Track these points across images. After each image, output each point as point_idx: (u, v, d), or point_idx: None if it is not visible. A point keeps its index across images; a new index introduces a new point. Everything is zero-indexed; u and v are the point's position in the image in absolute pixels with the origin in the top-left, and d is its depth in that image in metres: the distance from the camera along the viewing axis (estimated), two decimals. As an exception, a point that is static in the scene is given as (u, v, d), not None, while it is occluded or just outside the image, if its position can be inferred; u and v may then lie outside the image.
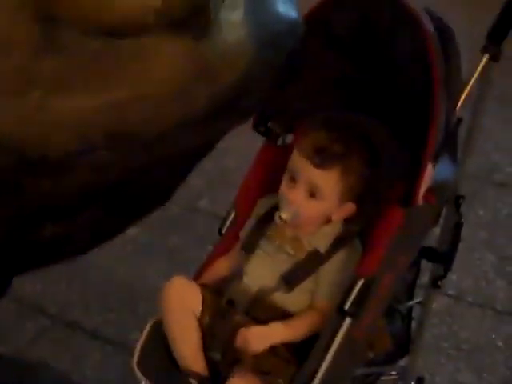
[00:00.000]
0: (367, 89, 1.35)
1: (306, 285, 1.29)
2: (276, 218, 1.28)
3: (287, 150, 1.37)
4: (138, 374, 1.29)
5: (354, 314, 1.23)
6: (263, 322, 1.28)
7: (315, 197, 1.26)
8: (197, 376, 1.26)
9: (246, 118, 1.01)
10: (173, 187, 1.06)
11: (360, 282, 1.23)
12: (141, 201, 0.99)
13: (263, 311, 1.29)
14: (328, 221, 1.30)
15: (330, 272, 1.29)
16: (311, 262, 1.29)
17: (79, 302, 2.05)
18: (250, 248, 1.34)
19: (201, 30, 0.74)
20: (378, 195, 1.29)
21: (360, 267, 1.25)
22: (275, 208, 1.33)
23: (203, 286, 1.34)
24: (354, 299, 1.22)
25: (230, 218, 1.41)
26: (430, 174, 1.21)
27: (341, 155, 1.25)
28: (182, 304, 1.29)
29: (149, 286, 2.15)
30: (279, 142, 1.43)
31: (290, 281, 1.28)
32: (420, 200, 1.21)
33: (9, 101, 0.73)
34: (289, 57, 1.00)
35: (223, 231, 1.42)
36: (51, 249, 0.96)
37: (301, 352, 1.25)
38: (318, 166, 1.25)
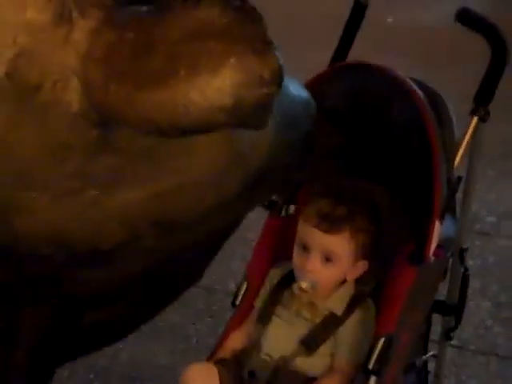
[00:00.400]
0: (364, 157, 1.43)
1: (325, 348, 1.32)
2: (295, 289, 1.32)
3: (291, 220, 1.42)
4: None
5: (377, 372, 1.27)
6: None
7: (331, 261, 1.31)
8: None
9: (273, 192, 1.06)
10: (205, 264, 1.09)
11: (381, 341, 1.27)
12: (175, 281, 1.02)
13: (286, 379, 1.32)
14: (343, 281, 1.34)
15: (348, 334, 1.32)
16: (329, 326, 1.32)
17: (85, 387, 2.03)
18: (266, 317, 1.37)
19: (264, 122, 0.80)
20: (386, 252, 1.35)
21: (379, 326, 1.29)
22: (289, 275, 1.37)
23: (221, 363, 1.36)
24: (377, 358, 1.27)
25: (243, 290, 1.45)
26: (438, 232, 1.27)
27: (346, 217, 1.31)
28: None
29: (154, 364, 2.14)
30: (283, 214, 1.48)
31: (309, 345, 1.31)
32: (430, 256, 1.27)
33: (66, 200, 0.76)
34: (307, 136, 1.06)
35: (237, 303, 1.45)
36: (93, 336, 0.98)
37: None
38: (327, 231, 1.31)
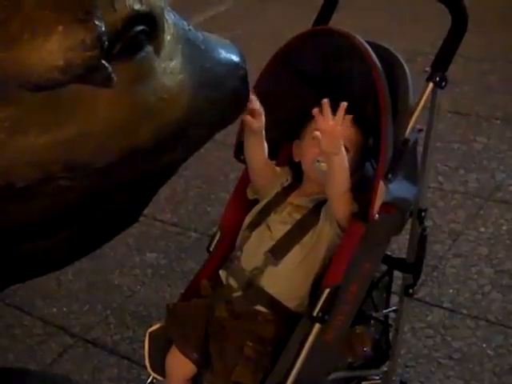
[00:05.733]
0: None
1: (292, 258, 1.39)
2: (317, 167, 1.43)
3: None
4: (154, 375, 1.47)
5: (322, 319, 1.35)
6: None
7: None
8: None
9: (197, 147, 1.17)
10: (137, 210, 1.22)
11: (326, 291, 1.35)
12: (109, 222, 1.15)
13: (254, 294, 1.40)
14: None
15: None
16: (296, 233, 1.40)
17: (100, 322, 2.21)
18: (254, 225, 1.47)
19: (106, 80, 0.94)
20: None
21: (326, 278, 1.37)
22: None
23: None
24: (321, 307, 1.35)
25: (216, 239, 1.56)
26: (382, 191, 1.33)
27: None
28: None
29: (165, 306, 2.31)
30: None
31: (275, 254, 1.39)
32: (374, 214, 1.34)
33: None
34: (234, 95, 1.17)
35: (210, 249, 1.57)
36: (32, 263, 1.13)
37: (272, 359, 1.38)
38: None
